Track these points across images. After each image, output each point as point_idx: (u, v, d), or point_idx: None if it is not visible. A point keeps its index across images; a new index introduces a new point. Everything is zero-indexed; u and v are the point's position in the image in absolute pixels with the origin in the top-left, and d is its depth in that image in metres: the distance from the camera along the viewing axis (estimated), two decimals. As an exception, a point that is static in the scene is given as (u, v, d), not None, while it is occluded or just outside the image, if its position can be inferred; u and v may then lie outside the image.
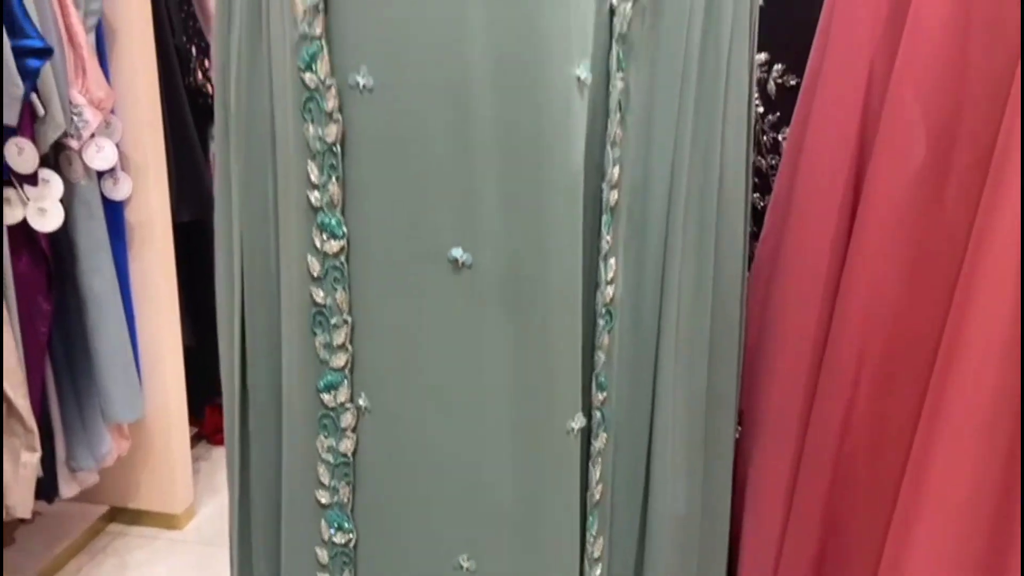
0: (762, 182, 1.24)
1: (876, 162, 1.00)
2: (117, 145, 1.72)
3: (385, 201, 0.90)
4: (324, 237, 0.92)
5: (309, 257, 0.93)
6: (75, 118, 1.62)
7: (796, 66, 1.15)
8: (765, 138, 1.24)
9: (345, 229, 0.91)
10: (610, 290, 0.94)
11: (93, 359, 1.71)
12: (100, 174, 1.73)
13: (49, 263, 1.60)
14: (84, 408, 1.71)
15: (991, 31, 0.92)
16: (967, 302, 0.92)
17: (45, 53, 1.48)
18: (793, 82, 1.18)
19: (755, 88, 1.04)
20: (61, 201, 1.58)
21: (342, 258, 0.92)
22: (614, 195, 0.92)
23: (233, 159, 1.00)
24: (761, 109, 1.23)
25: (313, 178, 0.91)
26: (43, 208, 1.55)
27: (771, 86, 1.22)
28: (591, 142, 0.91)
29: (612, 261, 0.93)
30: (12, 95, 1.44)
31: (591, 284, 0.94)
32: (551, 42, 0.86)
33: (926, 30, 0.94)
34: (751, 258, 1.15)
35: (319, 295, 0.93)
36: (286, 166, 0.94)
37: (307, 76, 0.89)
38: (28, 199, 1.53)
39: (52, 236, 1.59)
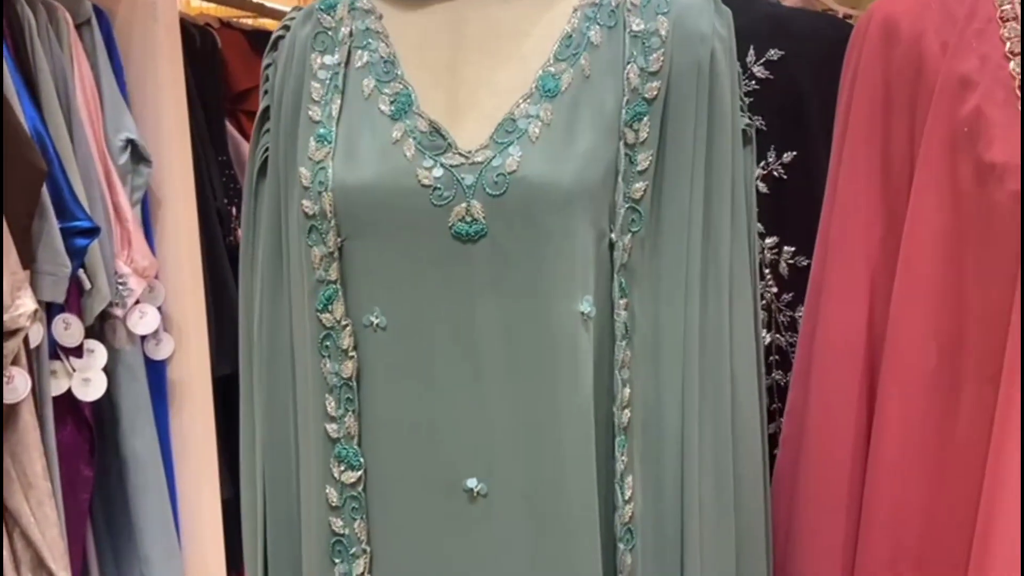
0: (782, 359, 1.26)
1: (885, 380, 1.01)
2: (159, 308, 1.78)
3: (400, 433, 0.93)
4: (342, 468, 0.94)
5: (327, 487, 0.95)
6: (120, 288, 1.69)
7: (805, 247, 1.18)
8: (782, 316, 1.26)
9: (362, 460, 0.94)
10: (628, 509, 0.94)
11: (133, 522, 1.74)
12: (143, 337, 1.79)
13: (92, 430, 1.64)
14: (123, 573, 1.73)
15: (985, 259, 0.95)
16: (993, 504, 0.92)
17: (93, 232, 1.56)
18: (804, 263, 1.21)
19: (766, 270, 1.06)
20: (104, 368, 1.64)
21: (360, 488, 0.94)
22: (626, 415, 0.93)
23: (256, 391, 1.04)
24: (775, 289, 1.25)
25: (331, 411, 0.94)
26: (87, 378, 1.61)
27: (783, 267, 1.24)
28: (599, 368, 0.93)
29: (628, 480, 0.94)
30: (60, 275, 1.51)
31: (609, 508, 0.95)
32: (553, 283, 0.89)
33: (921, 255, 0.97)
34: (774, 437, 1.16)
35: (338, 524, 0.95)
36: (305, 399, 0.98)
37: (324, 316, 0.93)
38: (74, 370, 1.59)
39: (95, 402, 1.64)
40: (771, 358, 1.27)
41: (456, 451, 0.91)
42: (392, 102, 0.93)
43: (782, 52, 1.26)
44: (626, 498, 0.93)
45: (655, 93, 0.90)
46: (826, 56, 1.18)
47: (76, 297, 1.60)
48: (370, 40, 0.96)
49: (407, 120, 0.92)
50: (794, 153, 1.19)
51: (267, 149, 1.01)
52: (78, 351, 1.60)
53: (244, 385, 1.07)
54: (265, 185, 1.02)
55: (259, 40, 2.45)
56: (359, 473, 0.94)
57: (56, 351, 1.57)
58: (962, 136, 0.95)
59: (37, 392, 1.51)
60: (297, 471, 1.02)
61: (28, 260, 1.47)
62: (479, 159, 0.88)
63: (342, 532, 0.95)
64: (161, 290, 1.81)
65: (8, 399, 1.41)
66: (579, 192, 0.88)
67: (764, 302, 1.22)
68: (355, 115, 0.94)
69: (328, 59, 0.96)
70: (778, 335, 1.27)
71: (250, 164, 1.04)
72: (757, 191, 1.03)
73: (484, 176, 0.87)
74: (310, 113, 0.95)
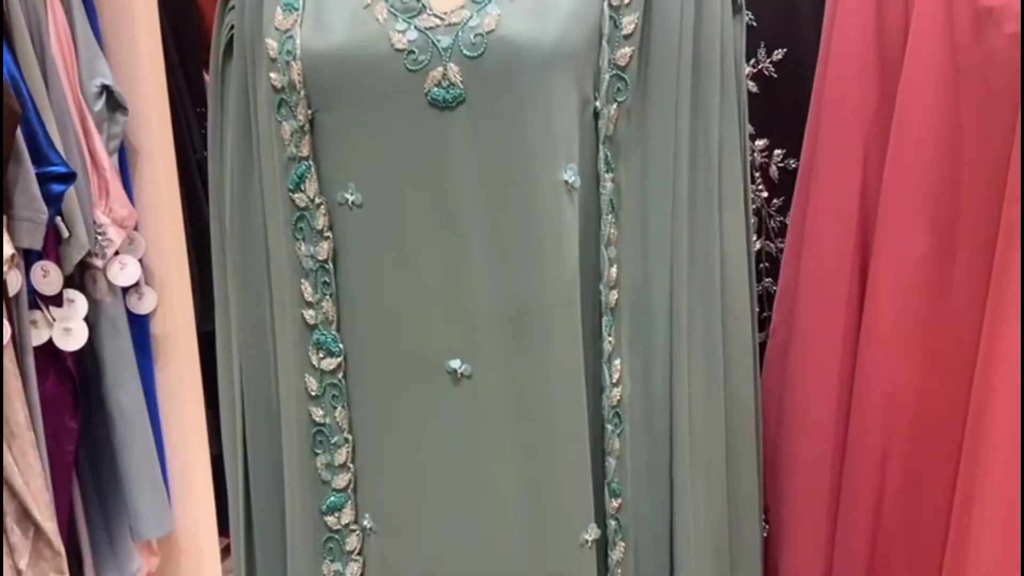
0: (772, 267, 1.24)
1: (878, 254, 1.00)
2: (140, 260, 1.75)
3: (380, 316, 0.90)
4: (321, 355, 0.92)
5: (306, 376, 0.93)
6: (99, 237, 1.66)
7: (796, 150, 1.16)
8: (772, 223, 1.24)
9: (341, 346, 0.91)
10: (616, 392, 0.92)
11: (121, 476, 1.71)
12: (124, 289, 1.76)
13: (75, 381, 1.62)
14: (112, 527, 1.71)
15: (982, 113, 0.93)
16: (987, 382, 0.91)
17: (69, 178, 1.52)
18: (794, 165, 1.18)
19: (756, 173, 1.03)
20: (86, 319, 1.61)
21: (340, 375, 0.92)
22: (613, 295, 0.91)
23: (230, 279, 1.01)
24: (765, 194, 1.23)
25: (307, 296, 0.91)
26: (68, 328, 1.58)
27: (773, 171, 1.22)
28: (586, 245, 0.90)
29: (616, 363, 0.92)
30: (37, 220, 1.48)
31: (596, 388, 0.93)
32: (535, 150, 0.86)
33: (916, 119, 0.95)
34: (764, 346, 1.14)
35: (318, 414, 0.93)
36: (280, 285, 0.95)
37: (296, 196, 0.90)
38: (54, 320, 1.56)
39: (77, 353, 1.61)
40: (761, 265, 1.25)
41: (439, 331, 0.89)
42: None
43: None
44: (614, 380, 0.92)
45: None
46: None
47: (54, 245, 1.57)
48: None
49: None
50: (784, 50, 1.16)
51: (232, 27, 0.97)
52: (58, 300, 1.57)
53: (217, 280, 1.04)
54: (231, 65, 0.98)
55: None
56: (339, 359, 0.92)
57: (36, 301, 1.54)
58: None
59: (18, 341, 1.49)
60: (275, 360, 0.99)
61: (5, 206, 1.44)
62: (455, 20, 0.85)
63: (323, 422, 0.93)
64: (141, 242, 1.78)
65: (-13, 345, 1.39)
66: (562, 53, 0.85)
67: (754, 207, 1.19)
68: None
69: None
70: (768, 241, 1.25)
71: (215, 44, 1.00)
72: (747, 92, 1.00)
73: (461, 37, 0.84)
74: None
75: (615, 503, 0.95)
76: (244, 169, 0.98)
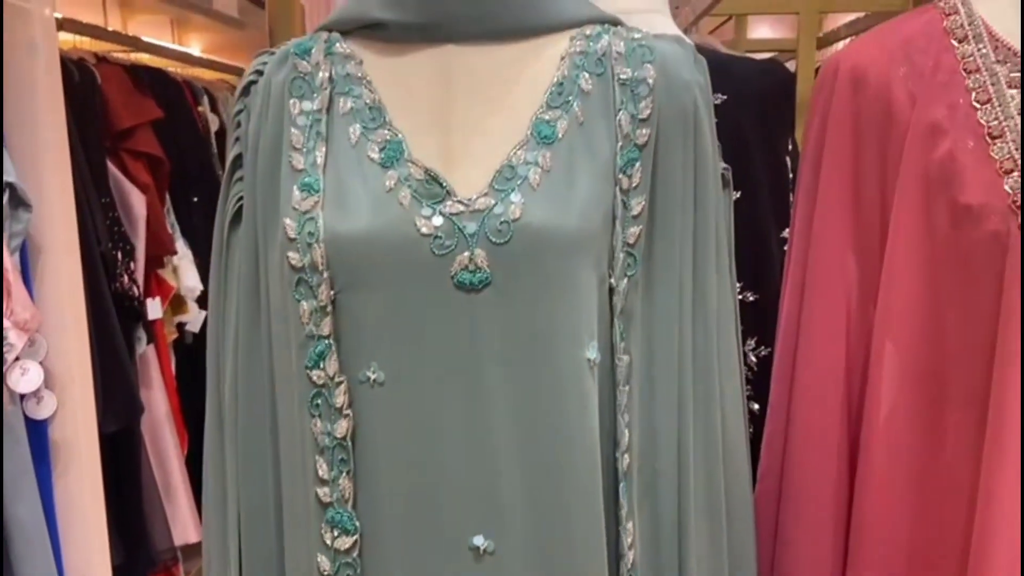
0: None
1: (869, 413, 1.04)
2: (41, 363, 1.66)
3: (400, 493, 0.88)
4: (335, 533, 0.89)
5: (319, 556, 0.89)
6: (-1, 343, 1.56)
7: (752, 284, 1.20)
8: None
9: (357, 524, 0.89)
10: (630, 555, 0.92)
11: (17, 596, 1.60)
12: (23, 395, 1.66)
13: (-31, 498, 1.51)
14: (8, 653, 1.59)
15: (964, 296, 0.99)
16: (983, 547, 0.95)
17: (-32, 284, 1.44)
18: (751, 299, 1.22)
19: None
20: (-18, 431, 1.51)
21: (355, 554, 0.89)
22: (627, 460, 0.92)
23: (229, 458, 0.97)
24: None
25: (322, 474, 0.88)
26: (-36, 442, 1.47)
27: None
28: (601, 413, 0.91)
29: (629, 526, 0.92)
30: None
31: (614, 555, 0.93)
32: (560, 329, 0.87)
33: (899, 292, 1.01)
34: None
35: None
36: (291, 464, 0.92)
37: (315, 373, 0.88)
38: (-52, 434, 1.45)
39: (-27, 468, 1.51)
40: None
41: (461, 508, 0.87)
42: (382, 150, 0.89)
43: (724, 97, 1.29)
44: (628, 544, 0.92)
45: (646, 139, 0.90)
46: (766, 100, 1.21)
47: (-50, 355, 1.47)
48: (352, 86, 0.93)
49: (399, 168, 0.88)
50: (739, 194, 1.21)
51: (240, 199, 0.95)
52: (-46, 413, 1.47)
53: (212, 455, 1.00)
54: (238, 237, 0.96)
55: (140, 76, 2.35)
56: (354, 538, 0.88)
57: (-72, 415, 1.44)
58: (936, 179, 0.99)
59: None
60: (280, 543, 0.95)
61: None
62: (480, 207, 0.86)
63: None
64: (43, 344, 1.69)
65: None
66: (583, 238, 0.87)
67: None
68: (343, 163, 0.90)
69: (307, 105, 0.92)
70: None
71: (220, 215, 0.97)
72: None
73: (487, 224, 0.85)
74: (292, 161, 0.90)
75: None
76: (250, 345, 0.95)
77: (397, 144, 0.90)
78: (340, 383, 0.87)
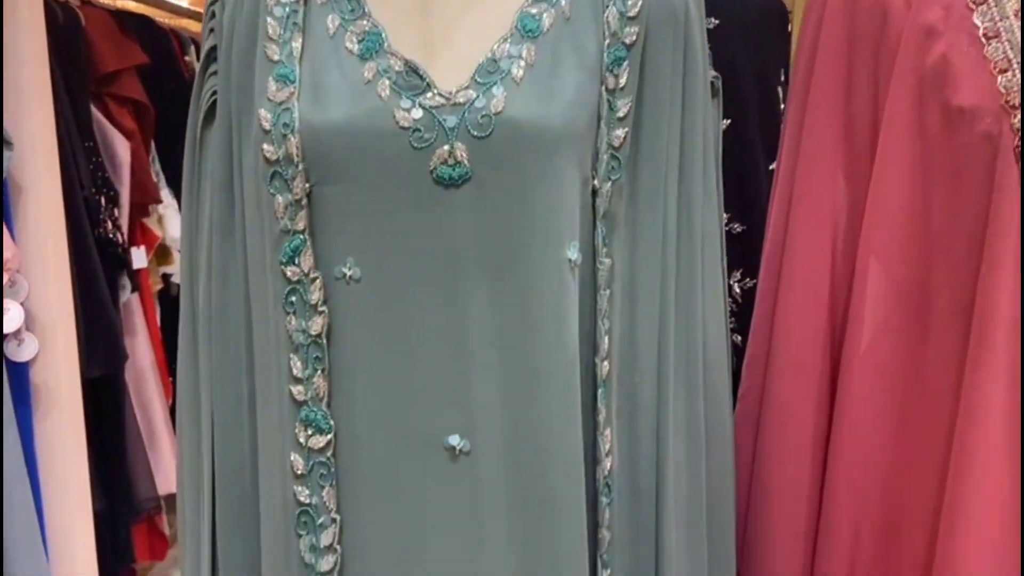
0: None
1: (852, 323, 1.03)
2: (23, 304, 1.64)
3: (375, 392, 0.87)
4: (309, 432, 0.88)
5: (292, 455, 0.88)
6: (-23, 281, 1.54)
7: (739, 215, 1.18)
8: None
9: (332, 423, 0.87)
10: (608, 462, 0.92)
11: (-3, 537, 1.59)
12: (3, 336, 1.64)
13: (-52, 438, 1.49)
14: (-14, 593, 1.58)
15: (953, 202, 0.98)
16: (964, 461, 0.94)
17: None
18: (738, 229, 1.21)
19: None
20: (-39, 371, 1.49)
21: (328, 453, 0.88)
22: (606, 367, 0.91)
23: (202, 354, 0.96)
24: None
25: (296, 372, 0.87)
26: (-57, 380, 1.46)
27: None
28: (582, 318, 0.90)
29: (607, 433, 0.91)
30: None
31: (591, 460, 0.92)
32: (541, 228, 0.86)
33: (889, 199, 1.00)
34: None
35: (304, 494, 0.89)
36: (265, 361, 0.91)
37: (289, 269, 0.86)
38: (-74, 372, 1.44)
39: (-48, 408, 1.49)
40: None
41: (437, 407, 0.87)
42: (360, 41, 0.87)
43: (716, 21, 1.26)
44: (605, 451, 0.91)
45: (634, 38, 0.88)
46: (757, 24, 1.19)
47: (-71, 291, 1.45)
48: None
49: (378, 59, 0.86)
50: (728, 121, 1.19)
51: (215, 93, 0.93)
52: (-68, 351, 1.45)
53: (185, 355, 0.98)
54: (212, 132, 0.94)
55: (125, 22, 2.31)
56: (328, 437, 0.88)
57: (-94, 351, 1.42)
58: (929, 82, 0.98)
59: None
60: (253, 442, 0.94)
61: None
62: (461, 100, 0.84)
63: (308, 502, 0.89)
64: (24, 284, 1.67)
65: None
66: (567, 135, 0.86)
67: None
68: (319, 54, 0.88)
69: None
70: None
71: (194, 111, 0.95)
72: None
73: (468, 117, 0.83)
74: (267, 51, 0.88)
75: (606, 575, 0.94)
76: (224, 241, 0.93)
77: (376, 35, 0.87)
78: (315, 279, 0.86)
